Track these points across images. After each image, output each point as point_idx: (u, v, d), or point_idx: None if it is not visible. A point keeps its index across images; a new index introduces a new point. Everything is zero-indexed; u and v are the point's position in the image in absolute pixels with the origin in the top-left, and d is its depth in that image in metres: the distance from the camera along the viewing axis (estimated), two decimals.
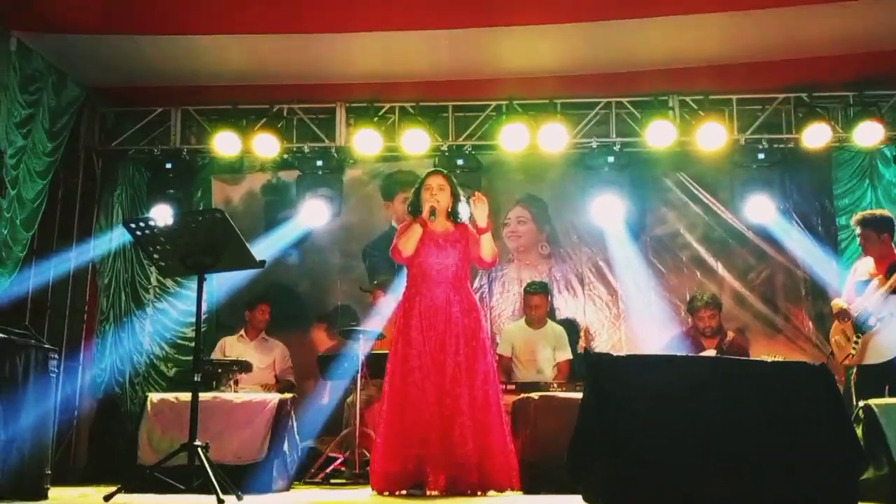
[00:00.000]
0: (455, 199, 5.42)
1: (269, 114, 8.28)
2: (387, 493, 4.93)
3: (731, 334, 7.44)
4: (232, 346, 7.76)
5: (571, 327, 8.36)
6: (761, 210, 8.16)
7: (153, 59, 7.47)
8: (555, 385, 6.70)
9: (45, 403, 4.57)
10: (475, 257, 5.33)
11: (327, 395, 8.15)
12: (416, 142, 8.05)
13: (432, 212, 5.27)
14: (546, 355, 7.72)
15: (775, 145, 8.20)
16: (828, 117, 7.93)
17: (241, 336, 7.86)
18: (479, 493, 4.88)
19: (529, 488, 5.18)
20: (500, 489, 4.96)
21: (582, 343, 7.75)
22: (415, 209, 5.40)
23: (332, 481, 6.60)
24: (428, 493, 4.84)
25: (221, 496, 4.05)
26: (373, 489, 5.03)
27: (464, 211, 5.41)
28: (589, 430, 3.81)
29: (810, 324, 8.31)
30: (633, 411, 3.72)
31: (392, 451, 4.99)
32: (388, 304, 7.55)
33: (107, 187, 8.45)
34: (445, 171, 5.70)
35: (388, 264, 8.82)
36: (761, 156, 8.14)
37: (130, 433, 6.37)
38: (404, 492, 4.94)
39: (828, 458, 3.70)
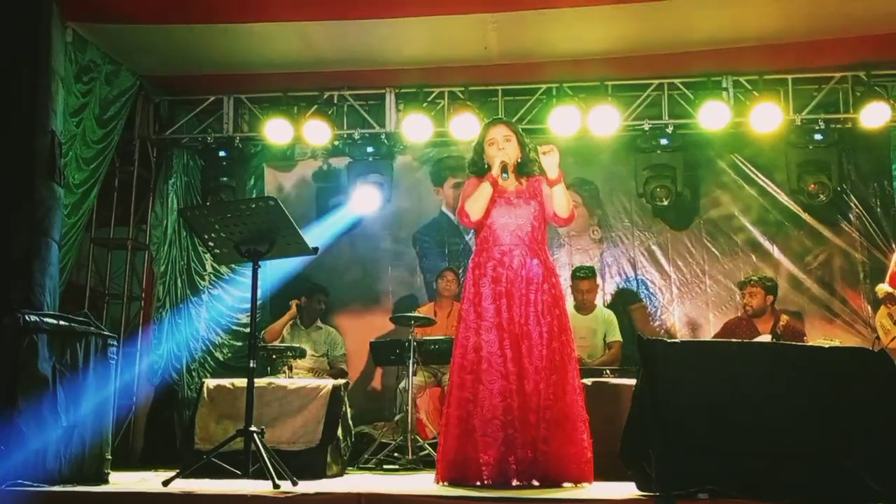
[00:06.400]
0: (524, 149, 4.70)
1: (320, 101, 8.31)
2: (458, 483, 4.29)
3: (785, 318, 7.32)
4: (287, 333, 7.84)
5: (622, 311, 8.32)
6: (818, 192, 8.01)
7: (206, 47, 7.53)
8: (607, 371, 6.66)
9: (104, 390, 4.64)
10: (550, 215, 4.63)
11: (379, 381, 8.18)
12: (466, 126, 8.00)
13: (504, 168, 4.55)
14: (597, 341, 7.68)
15: (832, 125, 8.02)
16: (887, 96, 7.73)
17: (296, 323, 7.93)
18: (562, 484, 4.29)
19: None
20: (576, 481, 4.32)
21: None
22: (478, 167, 4.73)
23: (385, 467, 6.63)
24: (514, 482, 4.23)
25: (277, 481, 4.09)
26: (442, 480, 4.39)
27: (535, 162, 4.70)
28: (643, 417, 3.77)
29: (868, 308, 8.14)
30: (688, 398, 3.68)
31: (466, 436, 4.34)
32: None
33: (162, 176, 8.55)
34: (508, 119, 5.07)
35: (437, 250, 8.88)
36: (818, 136, 7.99)
37: (187, 419, 6.49)
38: (478, 483, 4.25)
39: (886, 444, 3.63)
